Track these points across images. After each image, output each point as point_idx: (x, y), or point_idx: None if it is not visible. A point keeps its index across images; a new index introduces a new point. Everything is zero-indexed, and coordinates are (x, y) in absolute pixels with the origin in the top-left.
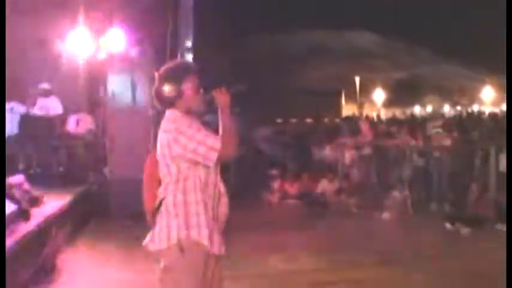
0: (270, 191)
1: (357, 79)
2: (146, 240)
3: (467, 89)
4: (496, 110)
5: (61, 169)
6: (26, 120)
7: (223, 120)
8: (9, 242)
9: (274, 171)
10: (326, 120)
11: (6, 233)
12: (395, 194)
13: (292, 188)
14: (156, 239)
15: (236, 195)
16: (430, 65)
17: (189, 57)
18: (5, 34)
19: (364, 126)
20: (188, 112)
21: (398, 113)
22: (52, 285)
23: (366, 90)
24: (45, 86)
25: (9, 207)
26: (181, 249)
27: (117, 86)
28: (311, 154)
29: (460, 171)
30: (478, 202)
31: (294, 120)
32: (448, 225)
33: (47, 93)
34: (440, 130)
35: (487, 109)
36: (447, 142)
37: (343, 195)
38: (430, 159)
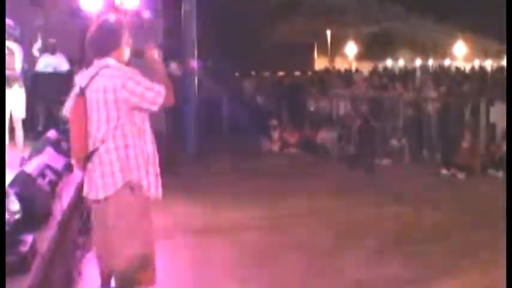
0: (271, 140)
1: (328, 33)
2: (85, 191)
3: (439, 44)
4: (468, 65)
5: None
6: (35, 78)
7: (158, 70)
8: (72, 191)
9: (273, 122)
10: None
11: (61, 185)
12: (393, 142)
13: (292, 137)
14: (100, 186)
15: (235, 146)
16: (402, 19)
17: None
18: (5, 34)
19: (359, 78)
20: (119, 62)
21: (367, 66)
22: None
23: (338, 44)
24: (51, 40)
25: (61, 160)
26: (132, 189)
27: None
28: (306, 105)
29: (451, 122)
30: (470, 150)
31: (281, 73)
32: (444, 171)
33: (53, 50)
34: (429, 82)
35: (460, 64)
36: (437, 94)
37: (343, 143)
38: (422, 110)
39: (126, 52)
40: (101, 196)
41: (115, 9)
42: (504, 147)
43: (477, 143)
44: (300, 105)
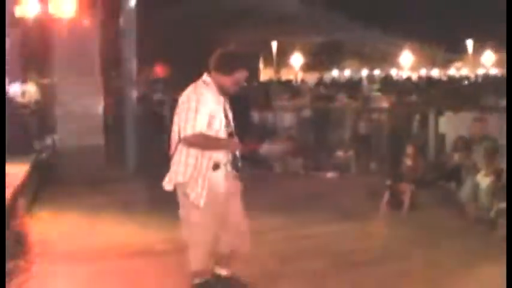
0: None
1: (274, 43)
2: (165, 181)
3: (385, 53)
4: (414, 74)
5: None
6: None
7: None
8: None
9: None
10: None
11: None
12: (339, 154)
13: None
14: (173, 178)
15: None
16: (348, 30)
17: (133, 18)
18: (5, 33)
19: (303, 90)
20: (218, 86)
21: (313, 77)
22: (29, 257)
23: (284, 54)
24: None
25: None
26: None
27: (67, 52)
28: (250, 117)
29: (399, 133)
30: (414, 166)
31: None
32: (388, 183)
33: None
34: (378, 93)
35: (406, 73)
36: (385, 104)
37: (287, 156)
38: (369, 120)
39: (231, 86)
40: (170, 186)
41: (49, 16)
42: (455, 158)
43: (422, 156)
44: (244, 116)
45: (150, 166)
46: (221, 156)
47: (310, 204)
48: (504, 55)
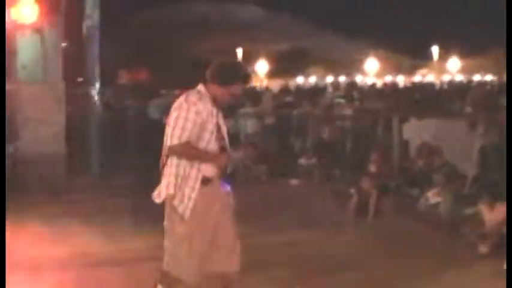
0: None
1: (239, 51)
2: (155, 194)
3: (351, 60)
4: (379, 81)
5: None
6: None
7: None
8: None
9: None
10: None
11: None
12: (302, 161)
13: None
14: (163, 191)
15: (142, 167)
16: (314, 37)
17: (96, 24)
18: (5, 33)
19: (266, 96)
20: (213, 97)
21: (278, 84)
22: None
23: (249, 61)
24: None
25: None
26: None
27: (28, 58)
28: None
29: (362, 140)
30: (378, 172)
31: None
32: (353, 191)
33: None
34: (341, 100)
35: (371, 80)
36: (349, 111)
37: (250, 163)
38: (333, 127)
39: (226, 98)
40: (160, 199)
41: (11, 22)
42: (419, 163)
43: (386, 163)
44: None
45: (113, 175)
46: (211, 169)
47: (272, 212)
48: (469, 61)
